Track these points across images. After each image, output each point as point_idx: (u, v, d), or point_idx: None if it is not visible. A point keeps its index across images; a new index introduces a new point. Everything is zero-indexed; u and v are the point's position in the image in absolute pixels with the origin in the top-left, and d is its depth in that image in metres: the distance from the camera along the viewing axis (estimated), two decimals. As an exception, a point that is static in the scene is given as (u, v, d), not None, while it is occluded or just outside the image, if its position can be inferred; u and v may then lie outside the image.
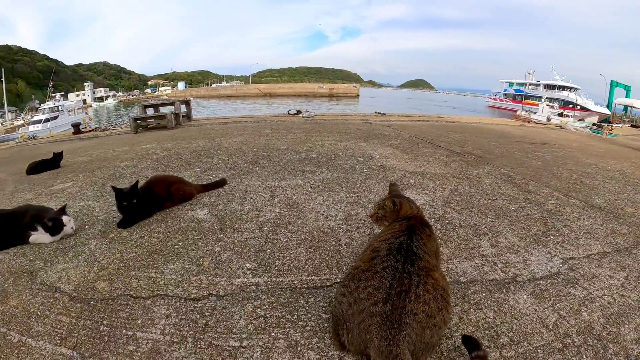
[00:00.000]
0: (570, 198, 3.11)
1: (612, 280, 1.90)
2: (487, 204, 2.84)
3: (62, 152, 6.30)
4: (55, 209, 2.90)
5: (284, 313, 1.70)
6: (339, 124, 8.74)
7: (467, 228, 2.42)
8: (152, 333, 1.68)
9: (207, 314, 1.75)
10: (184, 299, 1.88)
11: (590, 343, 1.50)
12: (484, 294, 1.74)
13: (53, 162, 6.08)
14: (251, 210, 2.98)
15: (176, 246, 2.47)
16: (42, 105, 46.59)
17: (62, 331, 1.81)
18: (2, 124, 47.48)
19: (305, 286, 1.89)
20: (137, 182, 2.92)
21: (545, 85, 42.73)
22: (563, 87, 40.40)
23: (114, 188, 2.82)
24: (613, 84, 35.78)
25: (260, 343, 1.54)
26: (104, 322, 1.80)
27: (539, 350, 1.45)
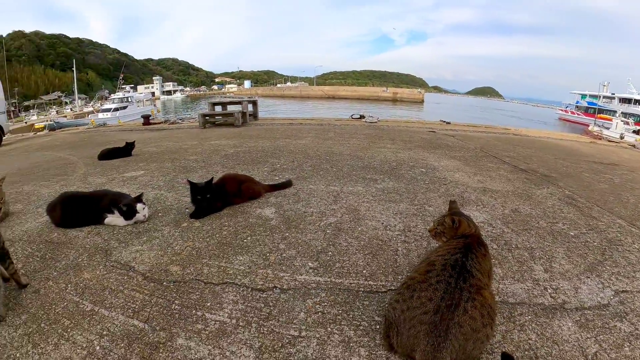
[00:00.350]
0: (634, 227, 2.98)
1: (663, 321, 1.85)
2: (547, 226, 2.80)
3: (134, 141, 6.79)
4: (133, 196, 3.23)
5: (340, 311, 1.83)
6: (402, 131, 8.69)
7: (523, 250, 2.42)
8: (219, 315, 1.87)
9: (271, 304, 1.92)
10: (250, 289, 2.06)
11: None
12: (529, 317, 1.77)
13: (125, 151, 6.56)
14: (315, 213, 3.13)
15: (245, 240, 2.67)
16: (111, 95, 49.96)
17: (134, 305, 2.02)
18: (71, 109, 51.67)
19: (362, 290, 2.01)
20: (212, 178, 3.21)
21: (620, 99, 39.30)
22: (640, 102, 37.16)
23: (190, 182, 3.11)
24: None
25: (317, 335, 1.68)
26: (176, 301, 2.00)
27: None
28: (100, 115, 32.49)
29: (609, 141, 14.45)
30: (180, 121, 14.40)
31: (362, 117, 12.51)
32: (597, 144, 10.51)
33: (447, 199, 3.27)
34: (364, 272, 2.19)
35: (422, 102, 64.55)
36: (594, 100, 43.30)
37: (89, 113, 41.20)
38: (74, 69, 57.34)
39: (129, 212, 3.04)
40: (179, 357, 1.62)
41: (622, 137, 20.16)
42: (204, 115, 11.14)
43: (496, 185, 3.84)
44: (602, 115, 35.76)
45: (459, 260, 1.51)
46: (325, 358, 1.54)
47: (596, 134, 22.73)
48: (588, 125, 29.99)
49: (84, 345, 1.76)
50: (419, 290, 1.44)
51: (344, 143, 6.87)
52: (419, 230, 2.72)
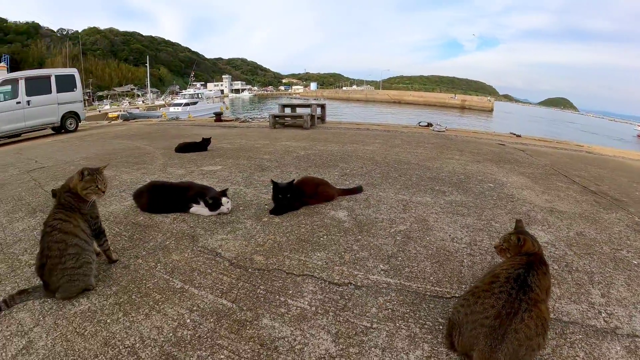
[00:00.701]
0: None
1: None
2: (610, 252, 2.79)
3: (210, 137, 7.28)
4: (217, 190, 3.59)
5: (408, 310, 2.02)
6: (470, 143, 8.59)
7: (583, 273, 2.45)
8: (300, 302, 2.11)
9: (346, 297, 2.14)
10: (327, 282, 2.30)
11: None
12: (580, 336, 1.83)
13: (201, 145, 7.05)
14: (385, 219, 3.30)
15: (321, 238, 2.92)
16: (182, 90, 52.65)
17: (222, 287, 2.29)
18: (143, 101, 55.20)
19: (429, 294, 2.18)
20: (293, 180, 3.53)
21: None
22: None
23: (273, 182, 3.44)
24: None
25: (387, 328, 1.88)
26: (260, 287, 2.27)
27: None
28: (172, 109, 34.39)
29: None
30: (250, 120, 14.98)
31: (429, 125, 12.35)
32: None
33: (513, 217, 3.32)
34: (431, 278, 2.34)
35: (491, 111, 61.88)
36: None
37: (160, 106, 43.85)
38: (147, 64, 61.33)
39: (214, 204, 3.41)
40: (264, 334, 1.84)
41: None
42: (275, 116, 11.65)
43: (564, 206, 3.82)
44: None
45: (521, 275, 1.65)
46: (393, 348, 1.73)
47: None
48: None
49: (175, 318, 2.00)
50: (483, 298, 1.62)
51: (411, 151, 6.93)
52: (485, 245, 2.81)
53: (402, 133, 10.29)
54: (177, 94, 59.09)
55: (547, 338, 1.65)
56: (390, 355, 1.71)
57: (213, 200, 3.43)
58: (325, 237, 2.97)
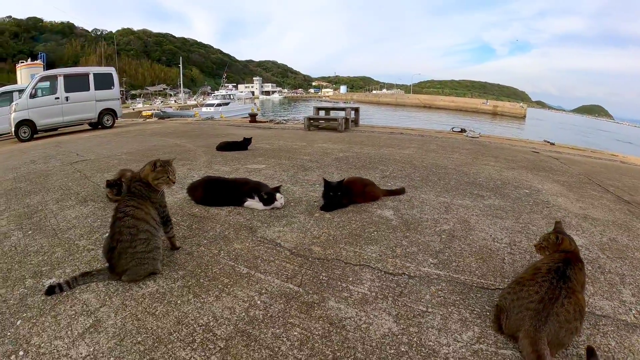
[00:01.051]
0: None
1: None
2: None
3: (251, 138, 7.61)
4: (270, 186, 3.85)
5: (458, 298, 2.23)
6: (504, 149, 8.64)
7: (615, 275, 2.56)
8: (360, 288, 2.33)
9: (402, 285, 2.37)
10: (383, 272, 2.53)
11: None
12: (612, 328, 1.98)
13: (242, 145, 7.40)
14: (429, 219, 3.51)
15: (372, 234, 3.16)
16: (214, 91, 53.66)
17: (287, 273, 2.47)
18: (175, 101, 56.48)
19: (475, 285, 2.38)
20: (343, 179, 3.78)
21: None
22: None
23: (325, 180, 3.70)
24: None
25: (440, 312, 2.09)
26: (323, 273, 2.50)
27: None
28: (204, 109, 35.02)
29: None
30: (284, 122, 15.42)
31: (462, 130, 12.45)
32: None
33: (549, 221, 3.49)
34: (477, 272, 2.55)
35: (523, 117, 60.26)
36: None
37: (192, 106, 44.74)
38: (180, 65, 62.77)
39: (269, 199, 3.68)
40: (332, 315, 2.02)
41: None
42: (310, 119, 12.02)
43: (597, 213, 3.91)
44: None
45: (560, 268, 1.88)
46: (447, 329, 1.95)
47: None
48: None
49: (245, 299, 2.16)
50: (528, 286, 1.86)
51: (447, 157, 7.06)
52: (523, 245, 2.97)
53: (436, 138, 10.39)
54: (208, 94, 60.26)
55: (583, 325, 1.86)
56: (445, 334, 1.92)
57: (268, 195, 3.69)
58: (375, 232, 3.20)
